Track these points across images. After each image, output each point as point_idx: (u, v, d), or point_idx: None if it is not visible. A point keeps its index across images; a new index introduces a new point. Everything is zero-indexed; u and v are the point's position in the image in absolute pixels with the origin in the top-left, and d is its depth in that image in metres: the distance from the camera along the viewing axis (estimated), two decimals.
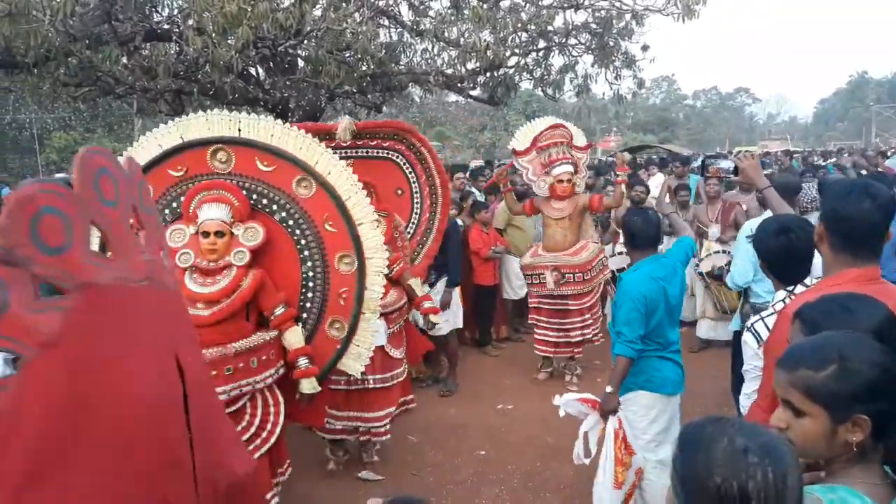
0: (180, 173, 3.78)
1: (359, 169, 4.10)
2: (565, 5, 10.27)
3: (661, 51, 11.44)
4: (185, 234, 3.73)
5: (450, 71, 10.80)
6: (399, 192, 5.34)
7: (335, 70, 8.62)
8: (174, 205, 3.84)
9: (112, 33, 8.24)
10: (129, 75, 9.29)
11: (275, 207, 3.81)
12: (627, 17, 10.50)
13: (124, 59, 9.00)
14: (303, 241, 3.81)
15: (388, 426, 4.97)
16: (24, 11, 6.91)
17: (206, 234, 3.64)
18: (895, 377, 1.42)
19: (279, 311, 3.82)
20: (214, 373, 3.44)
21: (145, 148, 3.79)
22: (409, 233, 5.35)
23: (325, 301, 3.87)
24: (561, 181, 6.38)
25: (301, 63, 10.10)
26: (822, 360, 1.46)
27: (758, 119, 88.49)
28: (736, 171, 3.19)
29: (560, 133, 6.54)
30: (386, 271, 3.81)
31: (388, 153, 5.19)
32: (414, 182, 5.33)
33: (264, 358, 3.74)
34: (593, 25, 10.64)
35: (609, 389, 3.83)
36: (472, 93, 11.78)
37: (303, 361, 3.81)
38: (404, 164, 5.25)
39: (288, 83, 9.60)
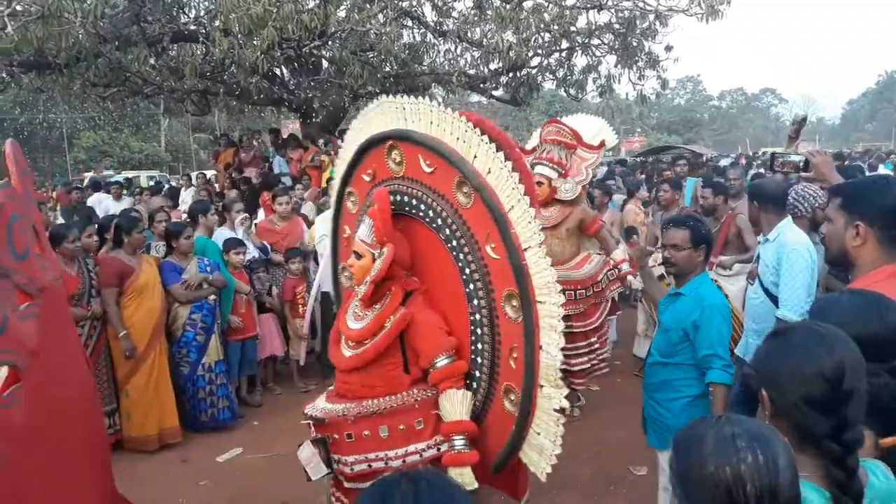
0: (370, 178, 3.26)
1: None
2: (588, 6, 10.26)
3: (685, 51, 11.40)
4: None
5: (472, 71, 10.85)
6: None
7: (359, 71, 8.70)
8: None
9: (141, 34, 8.39)
10: (156, 76, 9.47)
11: (439, 222, 2.91)
12: (651, 17, 10.48)
13: (152, 60, 9.18)
14: (467, 270, 2.83)
15: None
16: (56, 14, 7.07)
17: (356, 255, 3.01)
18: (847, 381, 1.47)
19: (441, 360, 2.86)
20: (336, 436, 2.88)
21: (347, 149, 3.40)
22: None
23: (495, 358, 2.81)
24: (540, 183, 5.14)
25: (325, 64, 10.21)
26: (771, 334, 1.64)
27: (784, 120, 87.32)
28: (807, 165, 3.10)
29: (553, 130, 5.32)
30: (562, 326, 2.50)
31: None
32: None
33: (402, 427, 2.84)
34: (616, 26, 10.62)
35: None
36: (495, 93, 11.81)
37: (458, 442, 2.76)
38: None
39: (312, 84, 9.69)
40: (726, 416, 1.36)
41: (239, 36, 7.65)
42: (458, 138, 2.72)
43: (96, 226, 5.81)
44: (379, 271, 2.88)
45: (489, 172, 2.62)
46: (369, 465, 2.83)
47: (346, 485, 2.99)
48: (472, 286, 2.82)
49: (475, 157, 2.66)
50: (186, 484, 4.67)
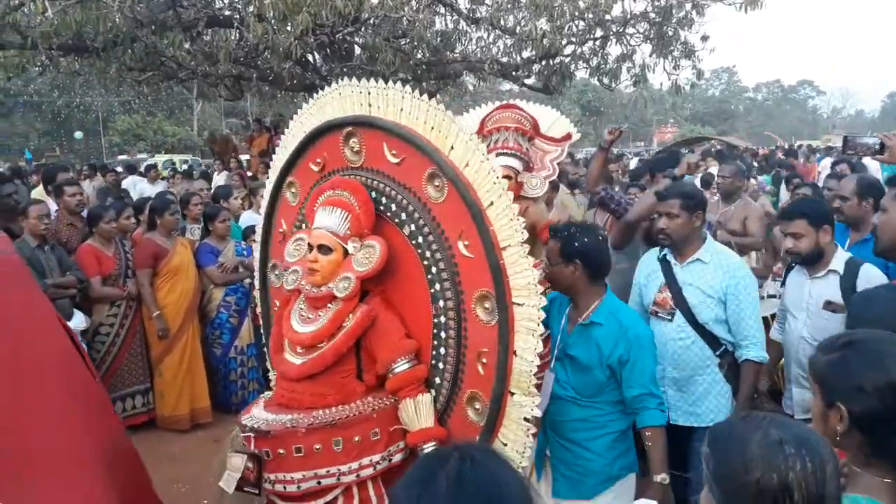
0: (318, 168, 2.99)
1: None
2: None
3: (721, 41, 11.20)
4: (304, 248, 2.81)
5: (505, 59, 10.78)
6: None
7: (391, 57, 8.69)
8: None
9: (176, 19, 8.46)
10: (191, 60, 9.55)
11: (403, 216, 2.70)
12: (688, 6, 10.30)
13: (187, 45, 9.25)
14: (433, 269, 2.62)
15: None
16: None
17: (311, 248, 2.72)
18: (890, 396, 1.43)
19: (401, 365, 2.65)
20: (282, 451, 2.58)
21: (294, 135, 3.10)
22: None
23: (460, 363, 2.60)
24: (508, 177, 3.80)
25: (357, 50, 10.21)
26: (833, 346, 1.56)
27: (821, 112, 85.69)
28: (882, 148, 3.00)
29: (511, 116, 4.12)
30: (541, 330, 2.36)
31: None
32: None
33: (357, 439, 2.60)
34: (652, 14, 10.46)
35: (662, 478, 2.72)
36: (527, 81, 11.72)
37: (427, 448, 2.57)
38: None
39: (344, 70, 9.70)
40: (769, 416, 1.30)
41: (273, 21, 7.68)
42: (432, 127, 2.51)
43: (132, 208, 5.90)
44: (373, 266, 2.62)
45: (467, 165, 2.43)
46: (318, 482, 2.58)
47: None
48: (437, 286, 2.60)
49: (452, 148, 2.46)
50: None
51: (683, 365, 3.30)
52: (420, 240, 2.64)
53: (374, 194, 2.75)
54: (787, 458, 1.20)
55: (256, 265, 3.53)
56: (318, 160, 2.96)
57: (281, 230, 3.28)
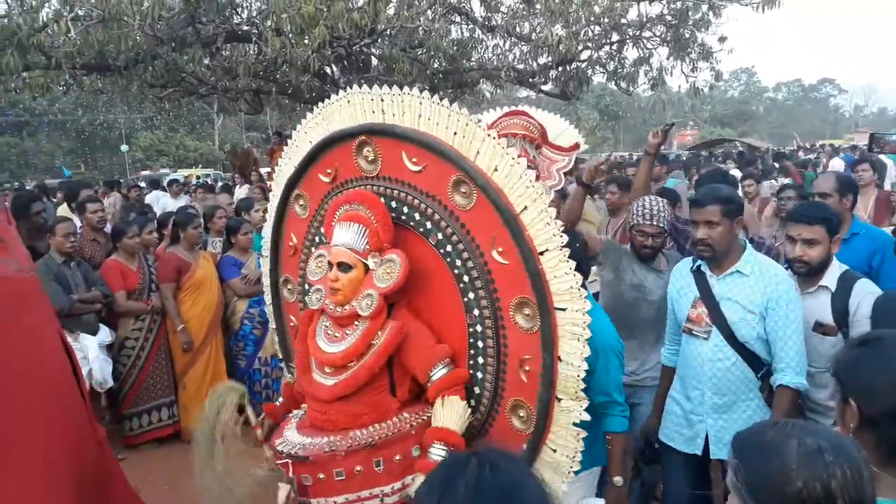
0: (329, 179, 2.89)
1: None
2: None
3: (739, 42, 11.15)
4: (325, 265, 2.70)
5: (521, 66, 10.78)
6: None
7: (408, 67, 8.73)
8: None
9: (195, 35, 8.57)
10: (211, 75, 9.67)
11: (429, 225, 2.61)
12: (704, 7, 10.25)
13: (207, 61, 9.37)
14: (465, 278, 2.55)
15: None
16: (115, 17, 7.29)
17: (331, 266, 2.61)
18: None
19: (438, 371, 2.57)
20: (322, 476, 2.48)
21: (299, 146, 3.02)
22: None
23: (501, 371, 2.54)
24: None
25: (374, 61, 10.27)
26: (853, 343, 1.60)
27: (843, 111, 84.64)
28: None
29: (519, 123, 3.97)
30: (588, 334, 2.27)
31: None
32: None
33: (398, 458, 2.51)
34: (668, 17, 10.41)
35: (617, 480, 2.85)
36: (544, 88, 11.72)
37: (438, 452, 2.46)
38: None
39: (362, 81, 9.72)
40: (795, 422, 1.30)
41: (290, 35, 7.76)
42: (455, 133, 2.41)
43: (156, 223, 5.98)
44: (396, 282, 2.53)
45: (496, 170, 2.35)
46: None
47: None
48: (471, 295, 2.54)
49: (478, 153, 2.38)
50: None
51: (725, 389, 3.00)
52: (449, 248, 2.56)
53: (394, 204, 2.67)
54: (827, 466, 1.19)
55: (266, 280, 3.47)
56: (329, 171, 2.87)
57: (291, 244, 3.22)
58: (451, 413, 2.50)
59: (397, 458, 2.50)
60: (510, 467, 1.14)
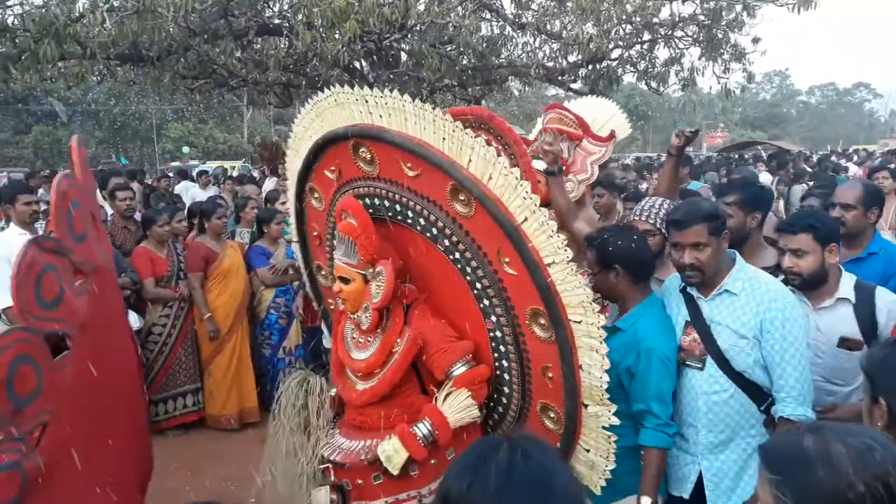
0: (335, 175, 2.86)
1: None
2: None
3: (773, 44, 11.00)
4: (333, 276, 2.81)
5: (550, 64, 10.74)
6: None
7: (437, 63, 8.74)
8: None
9: (228, 28, 8.66)
10: (241, 68, 9.77)
11: (434, 231, 2.56)
12: (738, 7, 10.12)
13: (238, 53, 9.47)
14: (478, 285, 2.51)
15: None
16: (150, 8, 7.39)
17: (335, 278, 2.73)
18: None
19: (458, 368, 2.57)
20: (360, 481, 2.57)
21: (300, 139, 3.00)
22: None
23: (526, 374, 2.55)
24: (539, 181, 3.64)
25: (404, 57, 10.30)
26: (886, 342, 1.62)
27: (879, 116, 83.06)
28: None
29: (557, 117, 4.05)
30: (605, 348, 2.23)
31: None
32: None
33: (433, 462, 2.55)
34: (701, 17, 10.30)
35: (645, 500, 2.50)
36: (573, 86, 11.65)
37: (423, 429, 2.52)
38: None
39: (391, 77, 9.80)
40: (822, 424, 1.26)
41: (321, 29, 7.81)
42: (443, 138, 2.30)
43: (186, 212, 6.05)
44: (383, 298, 2.56)
45: (490, 179, 2.24)
46: None
47: None
48: (486, 302, 2.49)
49: (469, 160, 2.27)
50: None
51: (721, 425, 2.62)
52: (457, 255, 2.51)
53: (397, 207, 2.64)
54: (881, 463, 1.15)
55: (302, 267, 3.61)
56: (333, 168, 2.84)
57: (315, 234, 3.28)
58: (451, 404, 2.54)
59: (432, 462, 2.55)
60: (541, 455, 1.13)
